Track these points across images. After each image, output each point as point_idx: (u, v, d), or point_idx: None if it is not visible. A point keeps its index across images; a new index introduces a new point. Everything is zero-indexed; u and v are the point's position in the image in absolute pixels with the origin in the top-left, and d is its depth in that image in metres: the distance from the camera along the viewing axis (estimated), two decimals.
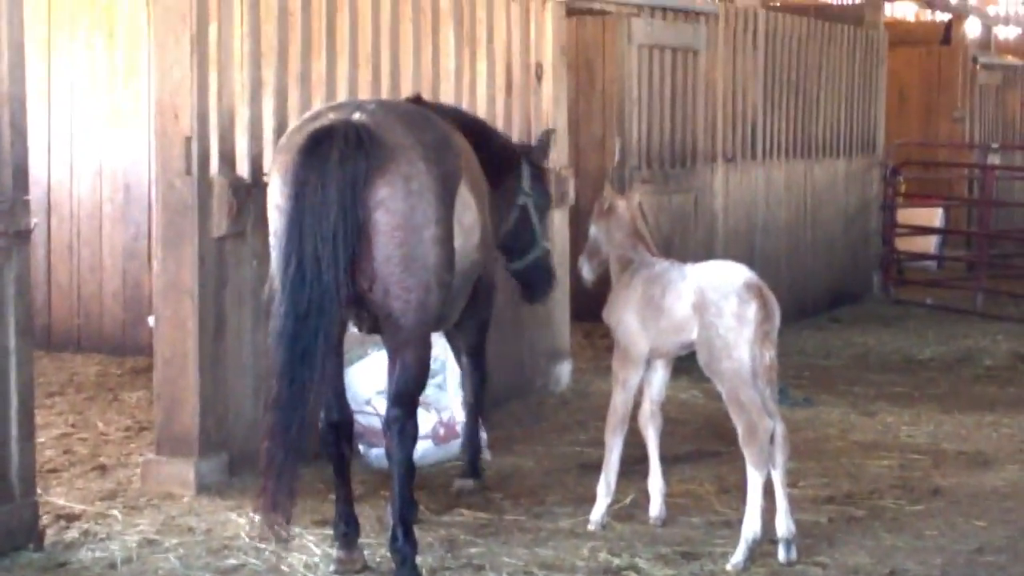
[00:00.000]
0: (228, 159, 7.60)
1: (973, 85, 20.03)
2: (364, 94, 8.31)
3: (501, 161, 7.39)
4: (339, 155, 5.67)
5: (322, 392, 6.05)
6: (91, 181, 11.71)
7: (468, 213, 6.27)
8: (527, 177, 7.59)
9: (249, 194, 7.51)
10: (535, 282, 7.84)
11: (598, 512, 6.90)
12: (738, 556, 6.29)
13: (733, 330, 6.31)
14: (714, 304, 6.35)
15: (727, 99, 12.87)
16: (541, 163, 7.71)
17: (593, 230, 6.97)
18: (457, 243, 6.13)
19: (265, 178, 7.08)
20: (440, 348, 7.99)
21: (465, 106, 8.99)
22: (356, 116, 5.91)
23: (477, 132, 7.33)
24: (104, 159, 11.65)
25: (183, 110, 7.42)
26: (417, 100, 7.17)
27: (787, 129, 14.12)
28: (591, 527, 6.86)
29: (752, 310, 6.32)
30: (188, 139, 7.41)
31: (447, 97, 9.06)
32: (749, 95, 13.29)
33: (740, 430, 6.32)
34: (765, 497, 6.30)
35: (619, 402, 6.83)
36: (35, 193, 8.74)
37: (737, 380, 6.31)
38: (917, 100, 20.01)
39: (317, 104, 7.77)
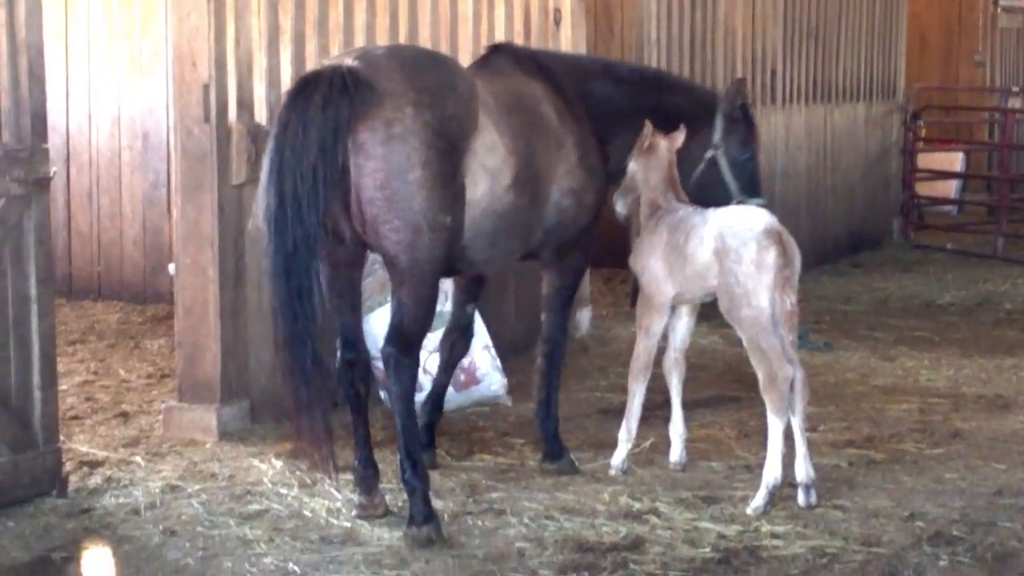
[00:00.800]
0: (246, 106, 7.59)
1: (994, 29, 19.87)
2: (382, 40, 8.28)
3: (688, 113, 7.06)
4: (322, 100, 5.76)
5: (327, 328, 6.07)
6: (110, 129, 11.71)
7: (492, 155, 6.21)
8: (720, 128, 7.16)
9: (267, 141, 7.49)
10: None
11: (619, 457, 6.92)
12: (758, 500, 6.31)
13: (753, 276, 6.28)
14: (734, 250, 6.32)
15: (746, 43, 12.78)
16: (734, 113, 7.21)
17: (632, 167, 6.87)
18: (482, 187, 6.13)
19: None
20: None
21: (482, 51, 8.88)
22: (348, 62, 5.95)
23: (651, 84, 7.23)
24: (123, 107, 11.64)
25: (201, 57, 7.40)
26: (497, 49, 7.04)
27: (807, 74, 14.02)
28: (612, 472, 6.88)
29: (772, 256, 6.29)
30: (206, 86, 7.40)
31: (464, 42, 9.03)
32: (769, 39, 13.20)
33: (760, 377, 6.31)
34: (785, 442, 6.30)
35: (643, 349, 6.82)
36: (54, 141, 8.76)
37: (757, 327, 6.29)
38: (937, 44, 19.85)
39: (335, 51, 7.75)
